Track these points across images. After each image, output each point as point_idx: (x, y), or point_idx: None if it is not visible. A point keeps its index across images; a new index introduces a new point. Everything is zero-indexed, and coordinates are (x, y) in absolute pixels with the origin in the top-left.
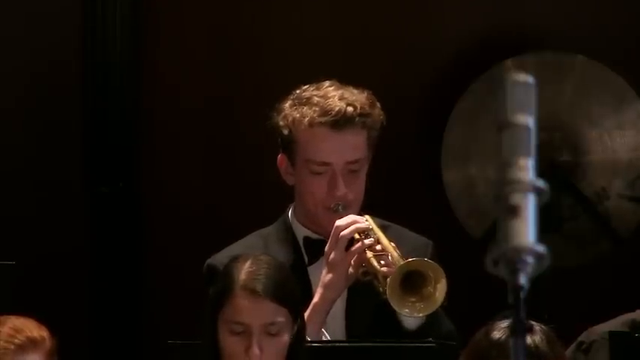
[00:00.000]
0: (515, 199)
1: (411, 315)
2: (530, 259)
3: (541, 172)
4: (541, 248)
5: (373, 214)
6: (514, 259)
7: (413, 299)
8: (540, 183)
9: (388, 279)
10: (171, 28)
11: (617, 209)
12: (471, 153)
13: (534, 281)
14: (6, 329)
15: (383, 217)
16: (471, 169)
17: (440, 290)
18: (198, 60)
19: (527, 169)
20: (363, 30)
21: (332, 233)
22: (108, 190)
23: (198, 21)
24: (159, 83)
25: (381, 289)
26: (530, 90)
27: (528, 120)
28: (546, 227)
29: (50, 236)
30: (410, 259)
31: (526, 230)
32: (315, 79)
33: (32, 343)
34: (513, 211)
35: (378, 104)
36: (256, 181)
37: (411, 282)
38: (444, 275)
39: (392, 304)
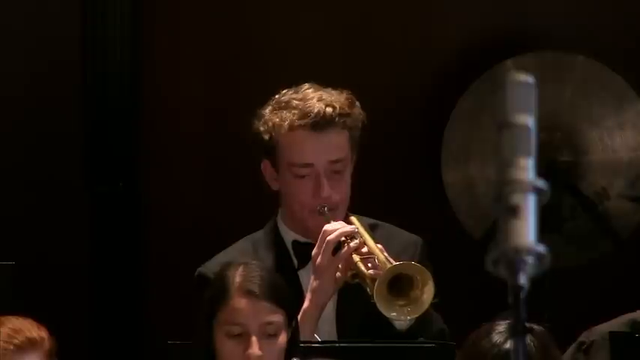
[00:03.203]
0: (515, 199)
1: (398, 318)
2: (530, 259)
3: (541, 172)
4: (541, 248)
5: (373, 215)
6: (514, 259)
7: (401, 302)
8: (540, 183)
9: (375, 282)
10: (172, 28)
11: (617, 209)
12: (471, 153)
13: (534, 281)
14: (5, 330)
15: (383, 217)
16: (471, 169)
17: (427, 293)
18: (197, 60)
19: (527, 169)
20: (363, 30)
21: (319, 238)
22: (108, 190)
23: (198, 21)
24: (159, 82)
25: (369, 291)
26: (530, 90)
27: (528, 120)
28: (546, 227)
29: (50, 236)
30: (396, 263)
31: (526, 230)
32: (315, 81)
33: (31, 344)
34: (513, 211)
35: (358, 104)
36: (256, 182)
37: (399, 285)
38: (431, 278)
39: (380, 307)
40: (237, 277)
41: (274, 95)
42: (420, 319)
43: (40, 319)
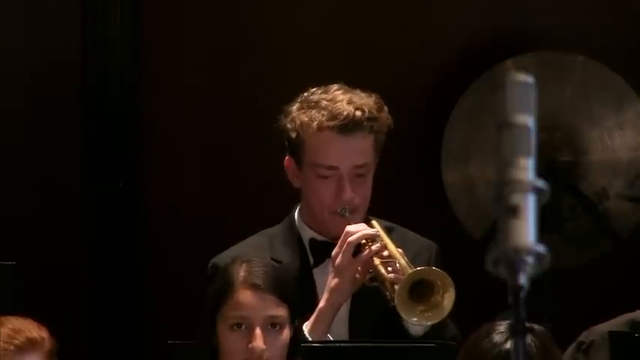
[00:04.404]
0: (515, 199)
1: (419, 323)
2: (530, 259)
3: (541, 172)
4: (541, 248)
5: (373, 215)
6: (514, 259)
7: (421, 308)
8: (540, 183)
9: (396, 287)
10: (171, 28)
11: (617, 209)
12: (471, 153)
13: (534, 281)
14: (5, 330)
15: (383, 218)
16: (471, 169)
17: (448, 299)
18: (197, 60)
19: (527, 169)
20: (363, 30)
21: (341, 238)
22: (108, 190)
23: (198, 21)
24: (159, 82)
25: (388, 295)
26: (530, 90)
27: (528, 120)
28: (546, 227)
29: (50, 236)
30: (419, 268)
31: (526, 230)
32: (315, 80)
33: (32, 344)
34: (513, 211)
35: (386, 108)
36: (256, 180)
37: (419, 290)
38: (452, 284)
39: (400, 312)
40: (241, 271)
41: (275, 96)
42: (437, 325)
43: (40, 319)
